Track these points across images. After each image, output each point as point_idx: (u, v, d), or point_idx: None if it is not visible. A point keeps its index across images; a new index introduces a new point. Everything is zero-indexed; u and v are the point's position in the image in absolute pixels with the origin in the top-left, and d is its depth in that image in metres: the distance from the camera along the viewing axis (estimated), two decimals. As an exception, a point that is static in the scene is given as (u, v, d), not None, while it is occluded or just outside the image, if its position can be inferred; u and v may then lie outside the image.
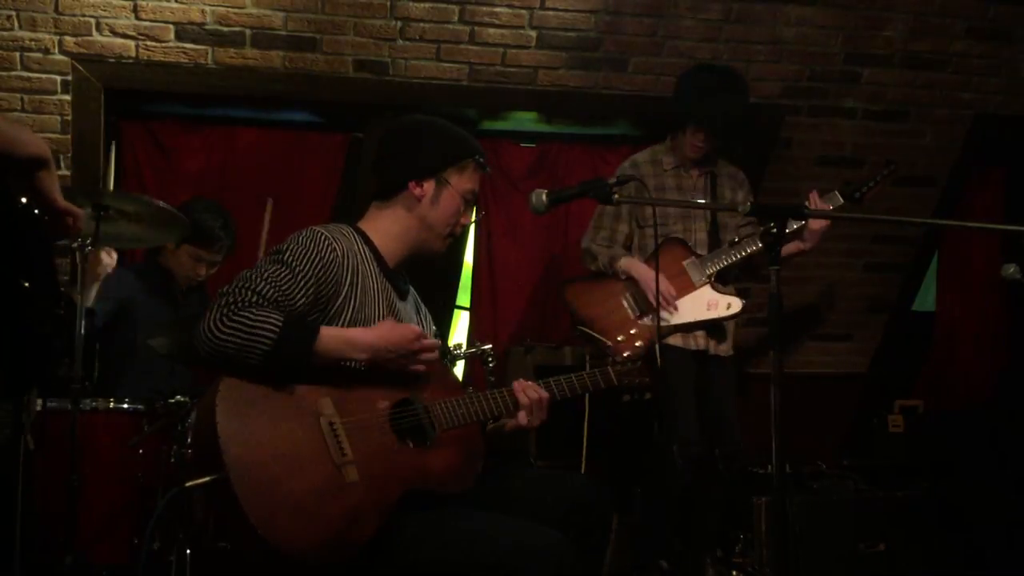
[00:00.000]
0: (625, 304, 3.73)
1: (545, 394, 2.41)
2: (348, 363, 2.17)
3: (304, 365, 2.11)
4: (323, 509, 2.04)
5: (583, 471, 3.94)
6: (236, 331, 2.06)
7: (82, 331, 3.05)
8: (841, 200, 3.82)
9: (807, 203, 3.72)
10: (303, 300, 2.19)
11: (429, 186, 2.40)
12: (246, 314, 2.08)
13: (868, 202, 3.86)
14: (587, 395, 2.66)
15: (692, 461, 3.66)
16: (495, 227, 4.81)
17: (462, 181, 2.43)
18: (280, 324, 2.08)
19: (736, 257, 3.75)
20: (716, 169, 3.92)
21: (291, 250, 2.22)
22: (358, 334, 2.20)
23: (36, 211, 1.64)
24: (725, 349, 3.86)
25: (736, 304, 3.72)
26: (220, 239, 3.76)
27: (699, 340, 3.78)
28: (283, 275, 2.17)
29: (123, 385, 3.58)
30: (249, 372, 2.08)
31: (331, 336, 2.15)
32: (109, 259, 3.47)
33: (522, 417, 2.38)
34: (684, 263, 3.75)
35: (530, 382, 2.41)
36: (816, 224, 3.68)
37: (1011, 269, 3.69)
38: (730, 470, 3.76)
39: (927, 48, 4.58)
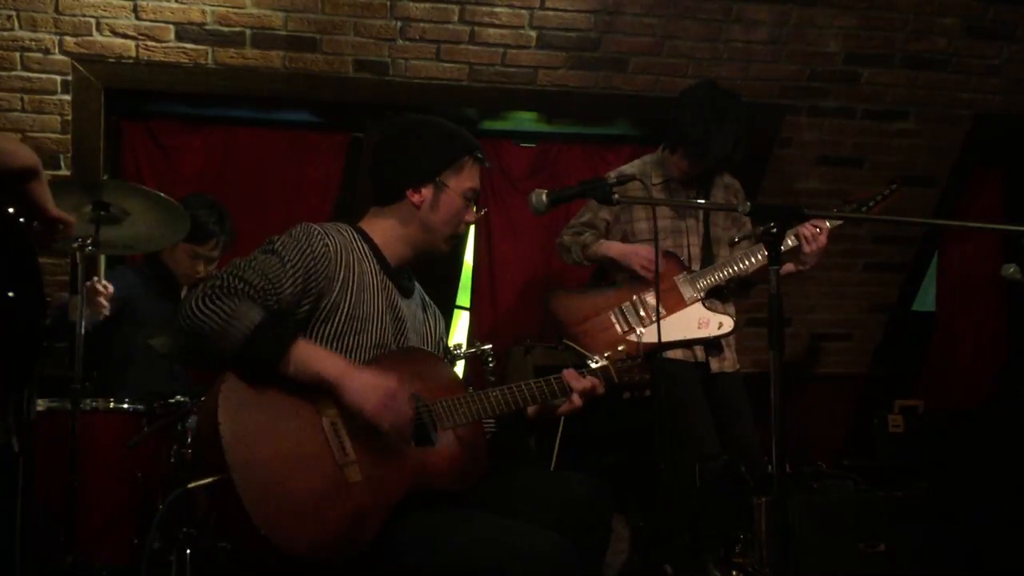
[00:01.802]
0: (614, 319, 3.63)
1: (597, 381, 2.44)
2: (316, 379, 2.11)
3: (275, 368, 2.08)
4: (326, 509, 2.04)
5: (586, 473, 3.93)
6: (216, 314, 2.06)
7: (82, 331, 3.05)
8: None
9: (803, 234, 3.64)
10: (291, 290, 2.18)
11: (427, 192, 2.39)
12: (229, 301, 2.08)
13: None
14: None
15: (714, 475, 3.57)
16: (495, 227, 4.81)
17: (460, 181, 2.41)
18: (259, 319, 2.08)
19: (729, 273, 3.65)
20: (709, 183, 3.80)
21: (283, 241, 2.23)
22: (334, 355, 2.16)
23: (21, 220, 1.64)
24: (729, 364, 3.75)
25: (728, 323, 3.62)
26: (214, 234, 3.75)
27: (699, 352, 3.68)
28: (272, 263, 2.18)
29: (123, 385, 3.57)
30: (231, 364, 2.07)
31: (306, 347, 2.12)
32: (105, 300, 3.33)
33: (576, 400, 2.41)
34: (675, 278, 3.64)
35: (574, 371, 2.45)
36: (810, 247, 3.55)
37: (1011, 269, 3.69)
38: (753, 480, 3.70)
39: (927, 48, 4.58)
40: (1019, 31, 4.61)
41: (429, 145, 2.42)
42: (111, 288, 3.37)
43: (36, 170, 1.66)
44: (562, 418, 2.50)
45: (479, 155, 2.45)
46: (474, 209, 2.48)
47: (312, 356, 2.12)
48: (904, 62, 4.61)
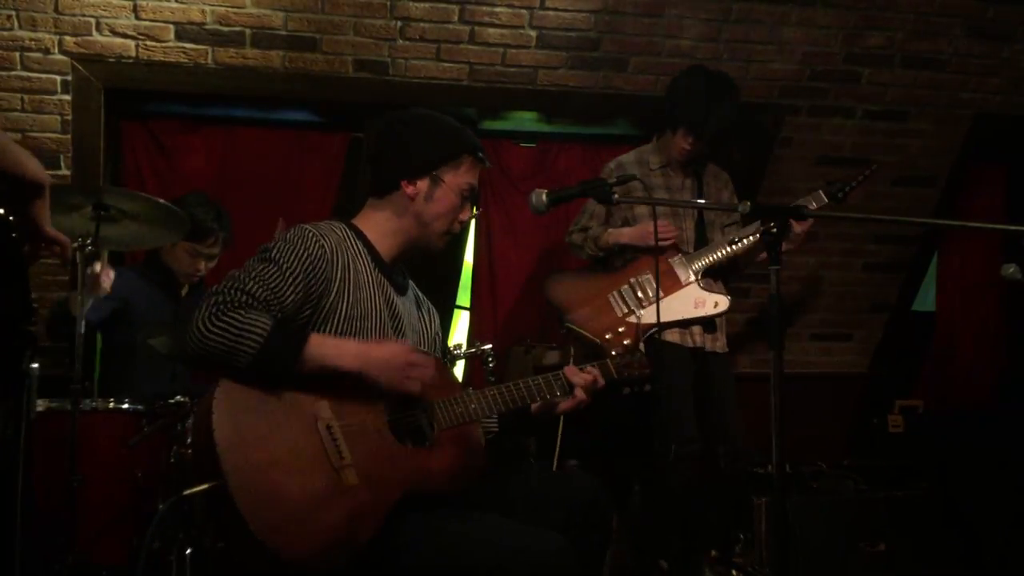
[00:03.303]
0: (612, 301, 3.73)
1: (596, 373, 2.43)
2: (336, 371, 2.14)
3: (292, 370, 2.09)
4: (323, 514, 2.03)
5: (581, 470, 3.94)
6: (225, 331, 2.04)
7: (82, 331, 3.05)
8: (825, 200, 3.84)
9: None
10: (293, 297, 2.18)
11: (423, 184, 2.38)
12: (235, 315, 2.07)
13: (850, 201, 3.89)
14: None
15: (691, 459, 3.66)
16: (495, 227, 4.81)
17: (458, 177, 2.40)
18: (269, 327, 2.07)
19: (721, 254, 3.77)
20: (702, 169, 3.95)
21: (279, 248, 2.21)
22: (347, 343, 2.20)
23: (11, 218, 1.63)
24: (721, 345, 3.88)
25: (723, 302, 3.74)
26: (213, 231, 3.76)
27: (696, 337, 3.79)
28: (272, 273, 2.16)
29: (124, 385, 3.58)
30: (238, 374, 2.07)
31: (319, 343, 2.14)
32: (107, 279, 3.41)
33: (580, 394, 2.40)
34: (670, 260, 3.76)
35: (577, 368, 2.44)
36: (797, 227, 3.62)
37: (1011, 269, 3.69)
38: (732, 468, 3.76)
39: (927, 48, 4.58)
40: (1019, 31, 4.60)
41: (428, 139, 2.41)
42: (112, 273, 3.39)
43: (44, 187, 1.65)
44: (561, 418, 2.50)
45: (480, 155, 2.44)
46: (471, 208, 2.47)
47: (325, 351, 2.13)
48: (904, 62, 4.61)
